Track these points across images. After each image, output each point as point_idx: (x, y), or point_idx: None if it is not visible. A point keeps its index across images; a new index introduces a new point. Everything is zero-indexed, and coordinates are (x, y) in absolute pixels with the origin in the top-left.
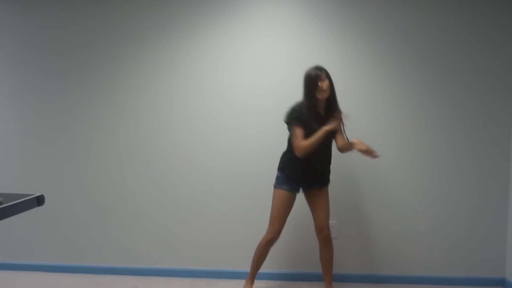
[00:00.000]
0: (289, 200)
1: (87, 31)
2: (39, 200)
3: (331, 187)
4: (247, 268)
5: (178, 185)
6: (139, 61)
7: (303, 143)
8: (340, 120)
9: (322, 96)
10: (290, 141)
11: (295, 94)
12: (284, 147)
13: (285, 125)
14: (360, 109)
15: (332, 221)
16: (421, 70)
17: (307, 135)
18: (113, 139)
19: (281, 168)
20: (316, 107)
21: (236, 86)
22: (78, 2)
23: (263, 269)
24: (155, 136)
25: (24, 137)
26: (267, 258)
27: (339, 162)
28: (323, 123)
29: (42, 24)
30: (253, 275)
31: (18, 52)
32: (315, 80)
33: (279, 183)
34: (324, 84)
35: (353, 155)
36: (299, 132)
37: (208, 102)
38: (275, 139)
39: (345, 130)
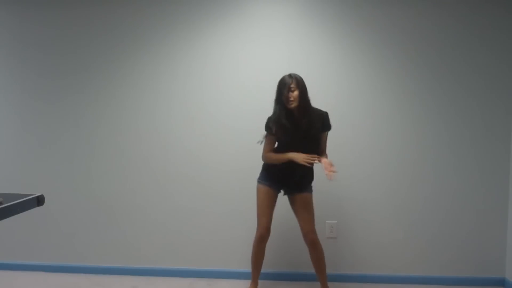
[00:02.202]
0: (269, 195)
1: (87, 31)
2: (39, 200)
3: (332, 187)
4: (247, 268)
5: (178, 184)
6: (139, 61)
7: (266, 154)
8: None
9: (291, 105)
10: None
11: None
12: None
13: None
14: (360, 109)
15: (332, 221)
16: (421, 70)
17: (278, 139)
18: (113, 139)
19: (264, 165)
20: (285, 114)
21: (236, 86)
22: (78, 2)
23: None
24: (155, 136)
25: (24, 137)
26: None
27: (339, 163)
28: (291, 129)
29: (42, 24)
30: (254, 276)
31: (19, 52)
32: (284, 90)
33: (260, 177)
34: (293, 95)
35: (354, 157)
36: (267, 141)
37: (208, 102)
38: None
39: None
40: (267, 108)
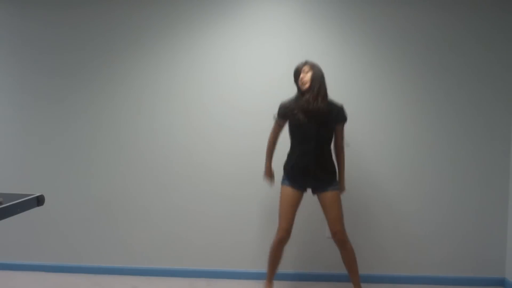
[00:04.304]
0: (292, 197)
1: (87, 31)
2: (39, 200)
3: None
4: (247, 268)
5: (177, 185)
6: (139, 61)
7: (269, 140)
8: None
9: (303, 86)
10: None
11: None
12: (283, 147)
13: (287, 125)
14: (359, 110)
15: None
16: (420, 70)
17: (293, 125)
18: (112, 139)
19: (284, 165)
20: (301, 98)
21: (235, 86)
22: (78, 2)
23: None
24: (155, 136)
25: (24, 137)
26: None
27: None
28: (307, 113)
29: (42, 24)
30: (270, 276)
31: (18, 51)
32: (297, 71)
33: (282, 179)
34: (306, 76)
35: (353, 157)
36: (275, 125)
37: (208, 102)
38: None
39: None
40: (267, 108)
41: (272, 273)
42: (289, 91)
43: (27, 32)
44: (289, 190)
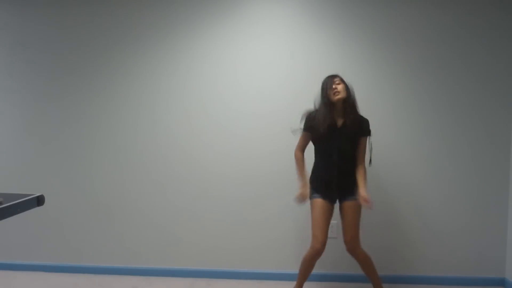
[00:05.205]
0: (324, 208)
1: (87, 31)
2: (39, 200)
3: None
4: (247, 268)
5: (177, 186)
6: (139, 61)
7: (296, 153)
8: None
9: (338, 96)
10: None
11: (295, 96)
12: (284, 149)
13: (286, 128)
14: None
15: (332, 221)
16: (420, 70)
17: (315, 139)
18: (112, 139)
19: (310, 178)
20: (330, 112)
21: (235, 87)
22: (78, 2)
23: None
24: (155, 137)
25: (24, 137)
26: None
27: None
28: (333, 129)
29: (42, 24)
30: (300, 285)
31: (18, 52)
32: (329, 81)
33: (311, 193)
34: (339, 86)
35: None
36: (300, 139)
37: (207, 103)
38: (274, 141)
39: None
40: (267, 110)
41: (302, 282)
42: (290, 92)
43: (27, 32)
44: (320, 201)
